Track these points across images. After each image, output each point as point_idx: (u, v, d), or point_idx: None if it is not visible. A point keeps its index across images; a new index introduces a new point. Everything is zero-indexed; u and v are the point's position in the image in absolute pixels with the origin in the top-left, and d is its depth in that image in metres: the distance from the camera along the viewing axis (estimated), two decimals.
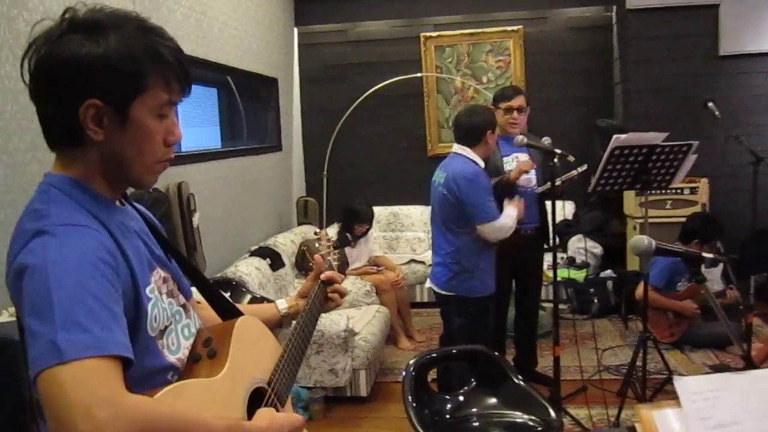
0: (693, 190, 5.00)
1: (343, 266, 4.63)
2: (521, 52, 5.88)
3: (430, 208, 3.41)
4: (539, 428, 2.02)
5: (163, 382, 1.05)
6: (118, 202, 1.12)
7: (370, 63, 6.00)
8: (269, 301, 3.59)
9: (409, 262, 5.53)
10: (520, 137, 3.13)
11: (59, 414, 0.81)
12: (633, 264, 5.34)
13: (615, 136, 3.14)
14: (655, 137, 3.17)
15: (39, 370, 0.83)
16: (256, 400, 1.16)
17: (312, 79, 6.17)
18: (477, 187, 3.02)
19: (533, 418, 2.10)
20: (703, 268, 4.48)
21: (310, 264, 4.54)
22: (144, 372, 1.00)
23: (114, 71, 0.98)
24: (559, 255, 5.01)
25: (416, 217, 5.99)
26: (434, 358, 2.27)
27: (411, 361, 2.25)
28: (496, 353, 2.32)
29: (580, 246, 5.26)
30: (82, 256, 0.92)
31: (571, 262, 5.17)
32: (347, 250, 4.78)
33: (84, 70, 0.97)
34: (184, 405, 0.96)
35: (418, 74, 5.92)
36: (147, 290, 1.04)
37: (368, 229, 4.90)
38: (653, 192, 4.14)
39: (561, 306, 4.95)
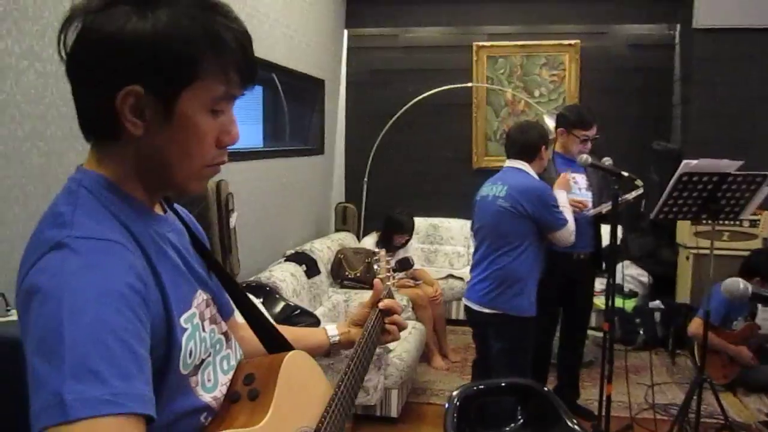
0: (753, 223, 4.72)
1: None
2: (577, 66, 5.67)
3: (471, 222, 3.31)
4: None
5: (194, 426, 0.89)
6: (158, 208, 0.96)
7: (419, 70, 5.84)
8: (309, 315, 3.47)
9: (446, 277, 5.35)
10: (585, 156, 2.94)
11: None
12: (682, 295, 5.08)
13: (684, 162, 2.93)
14: (729, 165, 2.95)
15: (41, 427, 0.67)
16: None
17: (359, 83, 6.03)
18: (549, 199, 3.00)
19: None
20: (760, 306, 4.22)
21: (346, 273, 4.41)
22: (172, 416, 0.84)
23: (162, 54, 0.80)
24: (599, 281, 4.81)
25: (456, 231, 5.80)
26: (480, 390, 2.09)
27: (455, 393, 2.07)
28: (548, 390, 2.13)
29: (627, 273, 5.01)
30: (107, 282, 0.75)
31: (618, 290, 4.91)
32: None
33: (126, 49, 0.80)
34: None
35: (468, 84, 5.75)
36: (182, 319, 0.87)
37: (408, 240, 4.75)
38: (710, 222, 3.90)
39: (599, 334, 4.75)
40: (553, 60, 5.72)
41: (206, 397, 0.92)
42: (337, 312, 4.11)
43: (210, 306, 0.98)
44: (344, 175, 6.12)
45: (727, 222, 4.62)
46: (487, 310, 3.00)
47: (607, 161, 3.10)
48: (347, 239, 5.07)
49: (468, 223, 5.69)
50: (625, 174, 2.79)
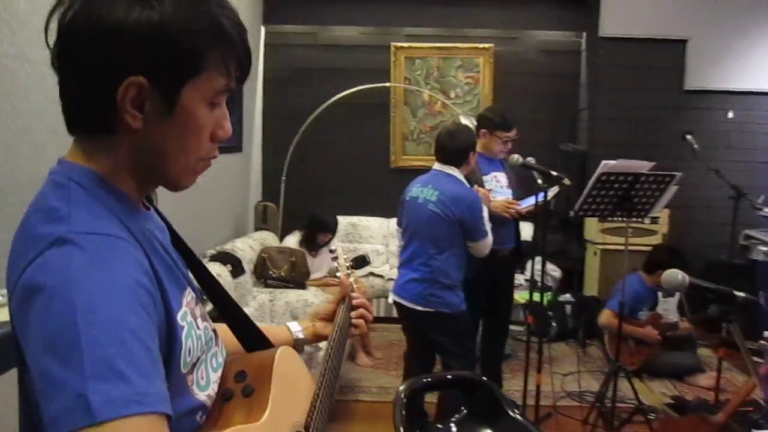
0: (654, 220, 5.05)
1: (304, 276, 4.46)
2: (491, 70, 5.86)
3: (396, 221, 3.39)
4: None
5: (191, 426, 0.88)
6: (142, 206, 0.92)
7: (338, 69, 5.85)
8: None
9: (367, 275, 5.39)
10: (516, 156, 3.06)
11: None
12: (590, 289, 5.38)
13: (603, 162, 3.11)
14: (642, 165, 3.16)
15: (65, 431, 0.63)
16: None
17: (277, 81, 5.96)
18: (479, 210, 3.06)
19: None
20: (660, 298, 4.54)
21: (271, 273, 4.35)
22: (174, 417, 0.82)
23: (168, 45, 0.78)
24: (523, 277, 5.02)
25: (375, 230, 5.86)
26: (428, 383, 2.13)
27: (401, 387, 2.09)
28: (491, 382, 2.20)
29: (539, 269, 5.23)
30: (118, 279, 0.72)
31: (533, 285, 5.13)
32: (309, 259, 4.61)
33: (131, 40, 0.77)
34: None
35: (387, 84, 5.81)
36: (179, 317, 0.84)
37: (331, 239, 4.75)
38: (613, 219, 4.16)
39: (518, 328, 4.95)
40: (469, 62, 5.89)
41: (201, 396, 0.90)
42: (263, 312, 4.06)
43: (199, 304, 0.96)
44: (261, 174, 6.03)
45: (630, 219, 4.96)
46: (420, 308, 3.07)
47: (531, 160, 3.23)
48: (269, 238, 5.01)
49: (387, 222, 5.83)
50: (554, 173, 2.92)
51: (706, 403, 3.21)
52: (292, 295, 4.23)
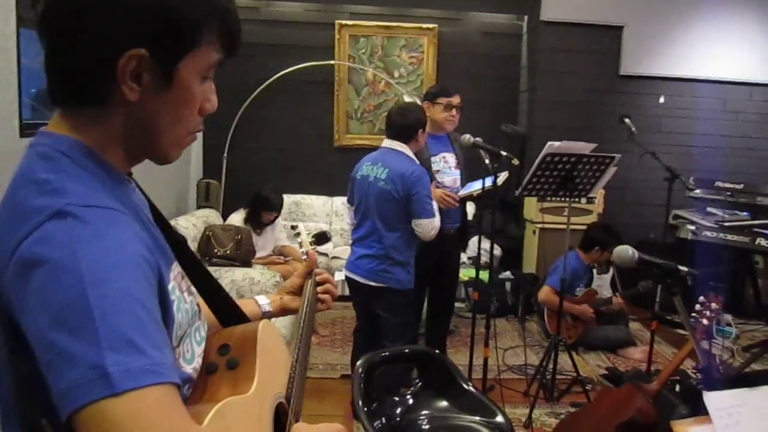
0: (590, 200, 5.23)
1: (249, 254, 4.42)
2: (434, 50, 5.91)
3: (346, 198, 3.40)
4: (492, 430, 2.00)
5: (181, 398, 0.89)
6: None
7: (280, 45, 5.77)
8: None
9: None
10: (467, 137, 3.12)
11: None
12: (528, 266, 5.55)
13: (549, 143, 3.21)
14: (585, 147, 3.28)
15: (82, 403, 0.64)
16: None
17: None
18: (425, 186, 3.07)
19: (484, 420, 2.07)
20: (594, 274, 4.72)
21: (215, 251, 4.29)
22: None
23: (171, 18, 0.79)
24: (465, 255, 5.13)
25: (319, 208, 5.86)
26: (385, 357, 2.18)
27: (359, 362, 2.14)
28: (444, 356, 2.28)
29: (482, 247, 5.36)
30: (122, 251, 0.72)
31: (475, 263, 5.26)
32: (254, 237, 4.57)
33: (134, 11, 0.77)
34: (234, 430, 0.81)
35: (331, 62, 5.77)
36: (169, 290, 0.85)
37: (276, 217, 4.73)
38: (551, 199, 4.30)
39: (459, 305, 5.08)
40: (413, 42, 5.92)
41: (188, 369, 0.91)
42: None
43: (185, 278, 0.96)
44: (202, 151, 5.91)
45: (567, 199, 5.14)
46: (372, 284, 3.11)
47: (477, 140, 3.28)
48: (212, 216, 4.94)
49: (331, 200, 5.84)
50: (504, 153, 2.99)
51: (640, 372, 3.39)
52: (238, 273, 4.18)
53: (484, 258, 5.30)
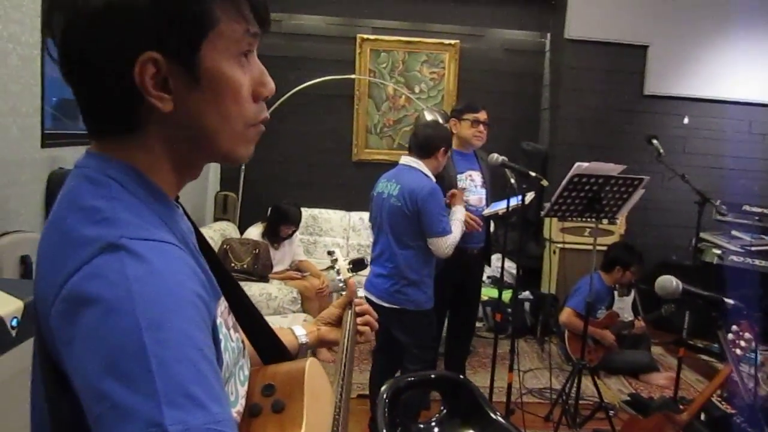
0: (612, 221, 5.16)
1: (267, 268, 4.38)
2: (456, 66, 5.87)
3: (361, 215, 3.37)
4: None
5: None
6: None
7: (302, 58, 5.75)
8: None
9: (328, 269, 5.33)
10: (495, 156, 3.07)
11: None
12: (547, 286, 5.46)
13: (577, 164, 3.14)
14: (613, 168, 3.21)
15: None
16: None
17: None
18: (436, 202, 3.00)
19: None
20: (616, 297, 4.62)
21: (233, 265, 4.26)
22: None
23: (169, 8, 0.70)
24: (485, 275, 5.05)
25: (336, 222, 5.81)
26: (410, 383, 2.11)
27: (384, 387, 2.08)
28: (473, 383, 2.21)
29: (500, 266, 5.29)
30: (180, 291, 0.66)
31: (494, 282, 5.19)
32: (271, 251, 4.53)
33: (126, 16, 0.69)
34: None
35: (352, 76, 5.75)
36: (218, 328, 0.78)
37: (294, 231, 4.68)
38: (573, 219, 4.23)
39: (477, 324, 4.99)
40: (434, 58, 5.88)
41: (232, 413, 0.85)
42: None
43: (231, 314, 0.90)
44: (220, 163, 5.88)
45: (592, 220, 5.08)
46: (387, 305, 3.03)
47: (505, 160, 3.23)
48: (229, 229, 4.90)
49: (348, 215, 5.80)
50: (533, 174, 2.94)
51: (669, 401, 3.29)
52: (255, 288, 4.15)
53: (505, 278, 5.24)
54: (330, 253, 1.56)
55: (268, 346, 1.03)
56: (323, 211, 5.82)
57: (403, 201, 3.01)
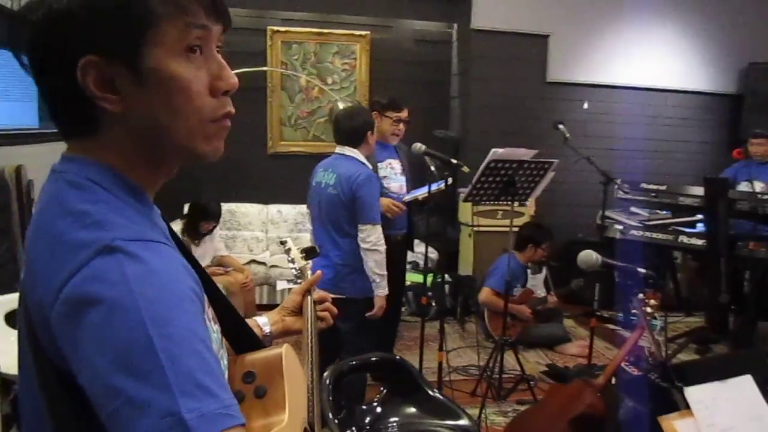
0: (522, 203, 5.42)
1: None
2: (367, 57, 5.95)
3: (279, 207, 3.38)
4: None
5: None
6: None
7: None
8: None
9: (249, 263, 5.32)
10: (418, 145, 3.17)
11: None
12: (464, 269, 5.67)
13: (493, 150, 3.31)
14: (526, 153, 3.40)
15: None
16: None
17: None
18: (372, 189, 3.04)
19: (451, 423, 2.12)
20: (529, 274, 4.87)
21: None
22: None
23: (101, 14, 0.71)
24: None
25: (254, 216, 5.78)
26: (353, 366, 2.19)
27: (327, 372, 2.14)
28: (411, 364, 2.31)
29: (420, 251, 5.44)
30: (178, 287, 0.69)
31: (415, 267, 5.34)
32: (192, 248, 4.47)
33: (65, 24, 0.71)
34: None
35: (264, 68, 5.72)
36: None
37: (214, 227, 4.63)
38: (486, 203, 4.43)
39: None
40: (346, 49, 5.94)
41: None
42: None
43: (210, 306, 0.93)
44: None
45: (499, 202, 5.31)
46: (332, 295, 3.05)
47: (428, 149, 3.35)
48: None
49: (266, 208, 5.78)
50: (454, 161, 3.06)
51: (585, 368, 3.54)
52: None
53: (422, 262, 5.40)
54: (283, 242, 1.60)
55: (241, 336, 1.06)
56: (241, 205, 5.77)
57: (340, 188, 3.03)
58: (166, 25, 0.73)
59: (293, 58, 5.88)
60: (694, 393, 1.27)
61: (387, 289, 3.06)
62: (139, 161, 0.80)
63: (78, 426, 0.71)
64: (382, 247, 3.04)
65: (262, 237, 5.74)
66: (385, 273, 3.05)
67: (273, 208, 5.80)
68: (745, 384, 1.33)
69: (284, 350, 1.00)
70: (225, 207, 5.61)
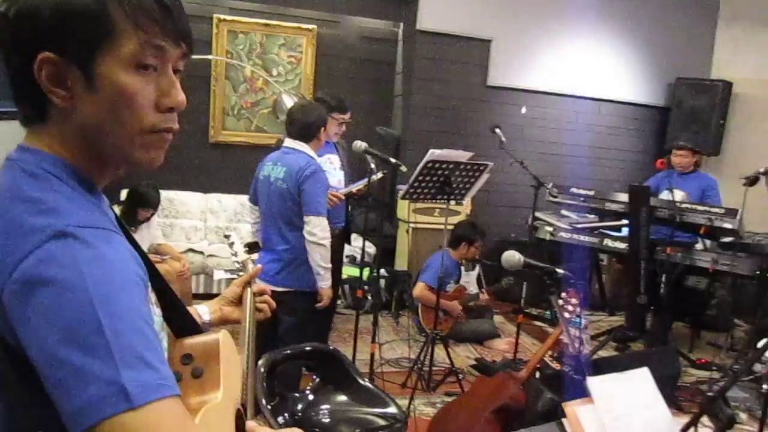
0: (458, 202, 5.58)
1: None
2: (313, 51, 6.00)
3: (219, 197, 3.39)
4: (389, 422, 2.15)
5: None
6: None
7: None
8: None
9: (186, 251, 5.29)
10: (359, 143, 3.25)
11: None
12: (401, 264, 5.80)
13: (430, 151, 3.43)
14: (462, 155, 3.54)
15: (102, 417, 0.68)
16: None
17: None
18: (319, 183, 3.09)
19: (380, 411, 2.22)
20: (462, 271, 5.03)
21: None
22: None
23: (64, 17, 0.78)
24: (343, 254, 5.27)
25: (193, 205, 5.75)
26: (287, 355, 2.26)
27: (261, 360, 2.21)
28: (344, 354, 2.40)
29: (358, 245, 5.53)
30: (124, 271, 0.76)
31: (352, 261, 5.43)
32: None
33: (30, 20, 0.78)
34: None
35: (208, 56, 5.68)
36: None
37: (153, 215, 4.60)
38: (426, 201, 4.58)
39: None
40: (292, 42, 5.97)
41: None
42: None
43: (152, 291, 1.00)
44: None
45: (436, 201, 5.46)
46: (279, 289, 3.01)
47: (368, 147, 3.44)
48: None
49: (206, 197, 5.76)
50: (393, 160, 3.17)
51: (510, 362, 3.71)
52: None
53: (359, 257, 5.50)
54: (227, 236, 1.66)
55: (181, 321, 1.13)
56: (180, 193, 5.73)
57: (289, 182, 3.06)
58: (123, 39, 0.80)
59: (239, 48, 5.87)
60: (594, 382, 1.41)
61: (330, 281, 3.13)
62: (86, 156, 0.85)
63: (24, 396, 0.76)
64: (328, 242, 3.09)
65: (201, 226, 5.73)
66: (330, 266, 3.11)
67: (213, 198, 5.79)
68: (641, 375, 1.48)
69: (222, 336, 1.08)
70: (164, 194, 5.54)
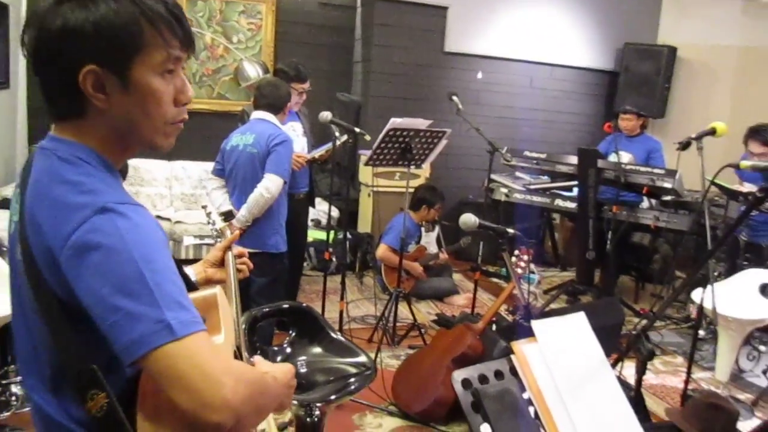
0: (419, 167, 5.79)
1: None
2: (273, 18, 6.06)
3: (183, 164, 3.50)
4: (360, 370, 2.38)
5: None
6: None
7: None
8: None
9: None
10: (324, 114, 3.41)
11: (194, 384, 0.87)
12: (363, 227, 6.01)
13: (392, 119, 3.61)
14: (422, 123, 3.73)
15: (152, 347, 0.87)
16: None
17: None
18: (287, 151, 3.30)
19: (351, 361, 2.45)
20: (423, 232, 5.28)
21: None
22: None
23: (106, 35, 0.96)
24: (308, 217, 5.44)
25: (158, 172, 5.82)
26: (266, 312, 2.46)
27: (242, 317, 2.40)
28: (317, 311, 2.61)
29: (321, 209, 5.72)
30: (155, 236, 0.95)
31: (317, 224, 5.61)
32: None
33: (76, 37, 0.95)
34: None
35: None
36: None
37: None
38: (386, 166, 4.77)
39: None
40: (251, 9, 6.01)
41: None
42: None
43: None
44: (27, 113, 5.58)
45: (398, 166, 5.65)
46: (250, 250, 3.23)
47: (334, 117, 3.61)
48: None
49: (170, 164, 5.84)
50: (357, 130, 3.35)
51: (468, 315, 3.97)
52: None
53: (325, 219, 5.68)
54: (204, 207, 1.83)
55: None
56: (144, 161, 5.79)
57: (259, 147, 3.27)
58: (153, 52, 1.00)
59: (198, 15, 5.89)
60: (538, 324, 1.65)
61: (247, 221, 3.28)
62: (113, 146, 1.05)
63: (72, 337, 0.96)
64: (272, 201, 3.27)
65: (166, 193, 5.82)
66: (252, 217, 3.28)
67: (177, 165, 5.87)
68: (578, 319, 1.72)
69: (218, 290, 1.28)
70: (129, 162, 5.63)
